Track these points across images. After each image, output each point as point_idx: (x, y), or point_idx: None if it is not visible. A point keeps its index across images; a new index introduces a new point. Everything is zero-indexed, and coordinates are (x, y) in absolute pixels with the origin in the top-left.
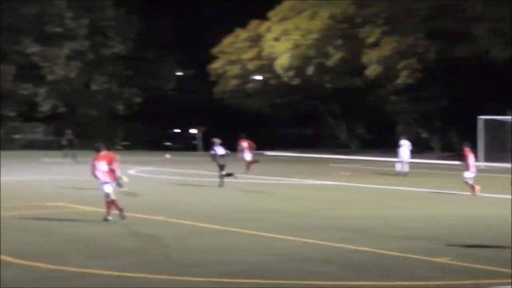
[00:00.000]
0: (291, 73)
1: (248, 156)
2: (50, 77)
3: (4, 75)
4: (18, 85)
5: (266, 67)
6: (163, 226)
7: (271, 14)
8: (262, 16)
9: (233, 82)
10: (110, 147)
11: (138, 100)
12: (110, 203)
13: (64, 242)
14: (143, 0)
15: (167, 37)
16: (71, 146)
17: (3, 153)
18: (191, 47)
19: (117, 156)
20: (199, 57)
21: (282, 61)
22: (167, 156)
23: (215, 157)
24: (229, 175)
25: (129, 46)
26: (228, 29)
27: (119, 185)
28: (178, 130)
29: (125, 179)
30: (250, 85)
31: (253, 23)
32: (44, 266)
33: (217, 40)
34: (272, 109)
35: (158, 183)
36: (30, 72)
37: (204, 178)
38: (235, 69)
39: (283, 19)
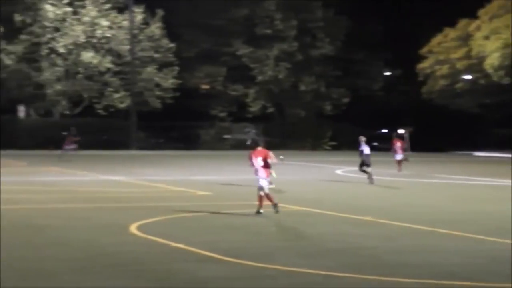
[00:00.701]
0: (501, 72)
1: (399, 156)
2: (259, 78)
3: (215, 76)
4: (228, 86)
5: (476, 67)
6: (371, 226)
7: (481, 12)
8: (472, 15)
9: (442, 82)
10: (317, 147)
11: (345, 100)
12: (263, 196)
13: (272, 240)
14: (352, 0)
15: (375, 37)
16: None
17: (213, 152)
18: (399, 47)
19: (270, 152)
20: (407, 57)
21: (492, 60)
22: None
23: (362, 154)
24: (366, 172)
25: (337, 46)
26: (436, 29)
27: (269, 182)
28: (385, 130)
29: (274, 175)
30: (458, 85)
31: (462, 22)
32: (253, 264)
33: (425, 40)
34: (480, 109)
35: (365, 184)
36: (240, 73)
37: (413, 179)
38: (443, 69)
39: (493, 17)
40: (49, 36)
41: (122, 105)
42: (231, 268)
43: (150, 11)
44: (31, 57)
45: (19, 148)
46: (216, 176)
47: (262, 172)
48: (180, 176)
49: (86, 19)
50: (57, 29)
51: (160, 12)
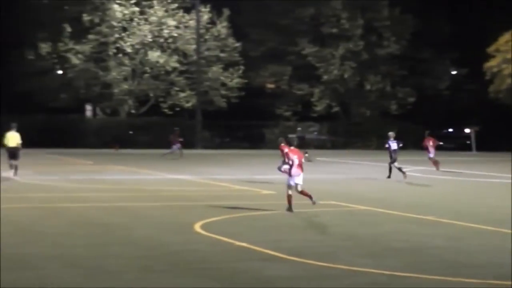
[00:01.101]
0: None
1: (432, 153)
2: (325, 77)
3: (281, 75)
4: (294, 86)
5: None
6: (434, 226)
7: None
8: None
9: (509, 81)
10: (382, 146)
11: (411, 99)
12: (301, 192)
13: (336, 240)
14: None
15: (442, 36)
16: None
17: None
18: (466, 46)
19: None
20: (474, 55)
21: None
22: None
23: (389, 150)
24: (400, 170)
25: (403, 45)
26: (504, 27)
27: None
28: (450, 130)
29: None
30: None
31: None
32: (316, 263)
33: (493, 38)
34: None
35: (429, 183)
36: (306, 72)
37: (477, 179)
38: (511, 68)
39: None
40: (116, 35)
41: (188, 105)
42: (294, 267)
43: (217, 10)
44: (98, 56)
45: (86, 147)
46: (281, 175)
47: (296, 171)
48: (245, 175)
49: (153, 18)
50: (124, 29)
51: (226, 12)
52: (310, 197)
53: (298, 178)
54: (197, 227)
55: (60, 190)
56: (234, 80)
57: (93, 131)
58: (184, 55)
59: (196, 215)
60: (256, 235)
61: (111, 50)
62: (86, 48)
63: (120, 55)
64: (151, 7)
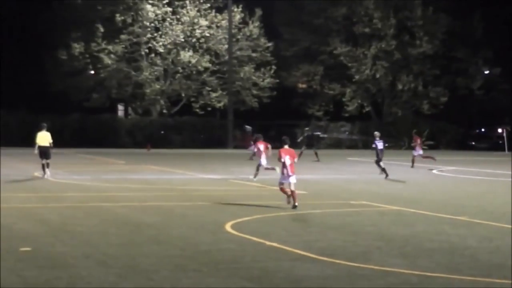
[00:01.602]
0: None
1: (417, 152)
2: (357, 77)
3: (313, 75)
4: (325, 85)
5: None
6: (467, 226)
7: None
8: None
9: None
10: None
11: (443, 99)
12: (292, 192)
13: (368, 240)
14: None
15: (475, 35)
16: (310, 144)
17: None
18: (499, 45)
19: (294, 151)
20: (508, 55)
21: None
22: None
23: (376, 150)
24: (384, 170)
25: (436, 45)
26: None
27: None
28: (483, 129)
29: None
30: None
31: None
32: (347, 263)
33: None
34: None
35: (461, 183)
36: (338, 72)
37: (510, 179)
38: None
39: None
40: (148, 35)
41: (220, 104)
42: (325, 268)
43: (249, 10)
44: (130, 56)
45: (118, 146)
46: (311, 175)
47: (290, 170)
48: (276, 175)
49: (185, 18)
50: (156, 29)
51: (258, 11)
52: (293, 199)
53: (292, 178)
54: (229, 226)
55: (93, 190)
56: (266, 80)
57: (125, 131)
58: (216, 55)
59: (228, 214)
60: (287, 235)
61: (143, 50)
62: (118, 48)
63: (152, 55)
64: (183, 7)
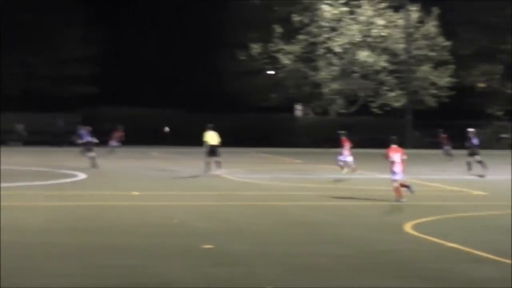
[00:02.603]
0: None
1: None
2: None
3: (492, 74)
4: (505, 84)
5: None
6: None
7: None
8: None
9: None
10: None
11: None
12: (399, 187)
13: None
14: None
15: None
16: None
17: (490, 152)
18: None
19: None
20: None
21: None
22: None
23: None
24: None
25: None
26: None
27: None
28: None
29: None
30: None
31: None
32: None
33: None
34: None
35: None
36: None
37: None
38: None
39: None
40: (325, 35)
41: (398, 104)
42: (507, 270)
43: (426, 9)
44: (308, 56)
45: (295, 146)
46: (493, 176)
47: (398, 167)
48: (455, 175)
49: (362, 18)
50: (333, 29)
51: (435, 10)
52: (407, 186)
53: (399, 175)
54: (407, 227)
55: (271, 189)
56: (444, 79)
57: (303, 130)
58: (393, 54)
59: (406, 215)
60: (467, 236)
61: (320, 50)
62: (295, 48)
63: (329, 54)
64: (359, 7)
